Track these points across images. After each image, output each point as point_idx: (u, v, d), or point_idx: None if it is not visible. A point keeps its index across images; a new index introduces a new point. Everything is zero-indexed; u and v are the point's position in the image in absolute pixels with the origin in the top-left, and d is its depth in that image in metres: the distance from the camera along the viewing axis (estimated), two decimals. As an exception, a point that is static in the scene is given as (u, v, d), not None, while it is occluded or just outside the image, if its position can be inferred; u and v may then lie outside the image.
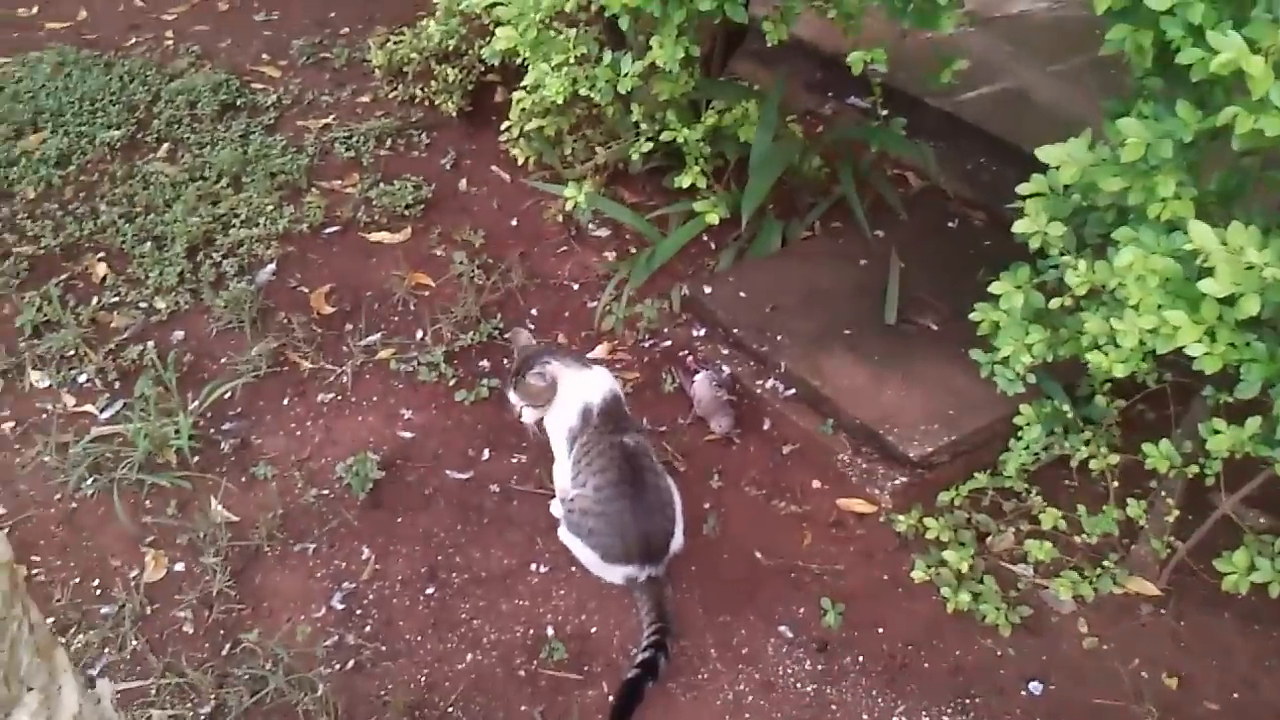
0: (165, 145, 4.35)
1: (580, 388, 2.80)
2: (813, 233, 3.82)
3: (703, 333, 3.44)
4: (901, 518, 2.84)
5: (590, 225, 3.95)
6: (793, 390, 3.16)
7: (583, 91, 3.48)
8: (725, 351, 3.34)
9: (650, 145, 3.64)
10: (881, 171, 3.97)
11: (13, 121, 4.44)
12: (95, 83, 4.71)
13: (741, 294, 3.44)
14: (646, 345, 3.46)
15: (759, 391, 3.20)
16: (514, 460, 3.07)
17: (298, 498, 2.93)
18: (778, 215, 3.75)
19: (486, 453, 3.10)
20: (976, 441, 2.96)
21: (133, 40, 5.21)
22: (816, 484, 2.98)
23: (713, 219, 3.50)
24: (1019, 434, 2.77)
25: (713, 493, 2.96)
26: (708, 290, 3.47)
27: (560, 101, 3.51)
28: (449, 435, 3.14)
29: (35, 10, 5.56)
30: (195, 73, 4.85)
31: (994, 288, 2.58)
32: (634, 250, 3.83)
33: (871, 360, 3.15)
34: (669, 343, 3.46)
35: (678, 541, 2.72)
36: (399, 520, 2.89)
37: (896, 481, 2.91)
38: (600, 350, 3.45)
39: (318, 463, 3.05)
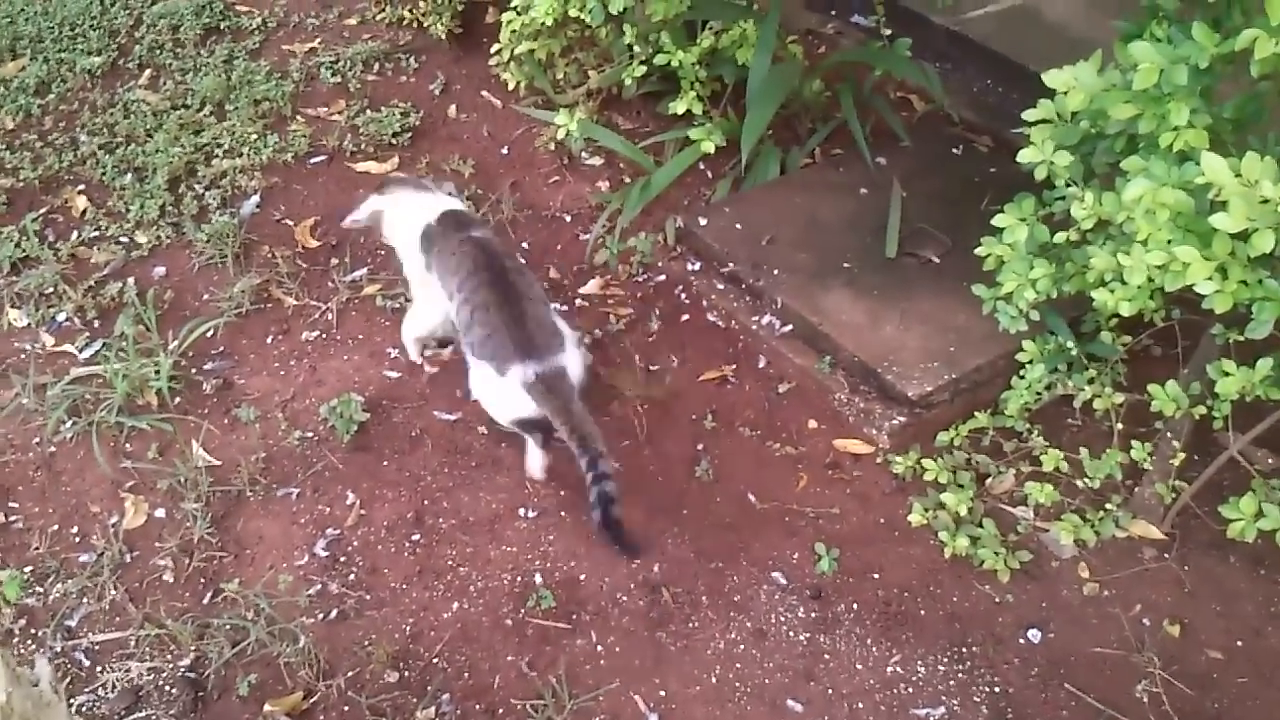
0: (147, 72, 4.22)
1: (418, 211, 2.92)
2: (812, 160, 3.70)
3: (697, 266, 3.34)
4: (899, 459, 2.76)
5: (583, 154, 3.83)
6: (789, 327, 3.07)
7: (573, 12, 3.34)
8: (720, 287, 3.24)
9: (644, 69, 3.51)
10: (884, 95, 3.84)
11: (-10, 48, 4.31)
12: (76, 6, 4.56)
13: (737, 225, 3.33)
14: (640, 280, 3.36)
15: (754, 328, 3.10)
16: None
17: (281, 440, 2.86)
18: (776, 142, 3.62)
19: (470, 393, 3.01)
20: (977, 379, 2.87)
21: (115, -39, 5.03)
22: (813, 424, 2.90)
23: (709, 147, 3.36)
24: (1021, 372, 2.68)
25: (706, 434, 2.88)
26: (703, 222, 3.35)
27: (550, 23, 3.38)
28: (436, 375, 3.06)
29: (13, -70, 5.37)
30: (177, -6, 4.68)
31: (998, 220, 2.46)
32: (628, 180, 3.71)
33: (870, 295, 3.04)
34: (663, 277, 3.36)
35: (570, 341, 2.69)
36: (385, 463, 2.82)
37: (894, 421, 2.83)
38: (593, 285, 3.36)
39: (302, 404, 2.97)
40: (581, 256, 3.46)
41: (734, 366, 3.07)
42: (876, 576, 2.55)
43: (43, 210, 3.57)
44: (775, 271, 3.15)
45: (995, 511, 2.68)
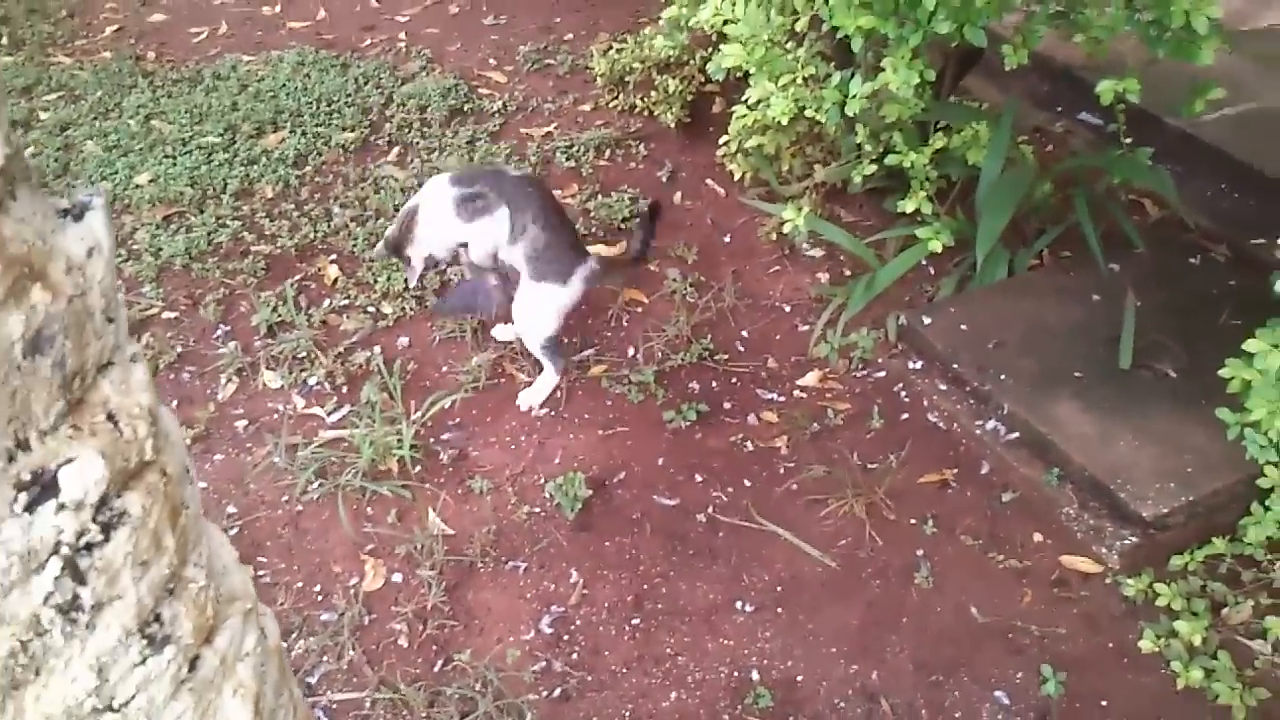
0: (396, 149, 4.50)
1: (432, 196, 3.27)
2: (1041, 262, 3.66)
3: (919, 365, 3.34)
4: (1130, 581, 2.68)
5: (805, 245, 3.89)
6: (1015, 434, 3.03)
7: (808, 112, 3.42)
8: (942, 387, 3.23)
9: (873, 167, 3.55)
10: (1116, 198, 3.76)
11: (255, 120, 4.69)
12: (332, 84, 4.92)
13: (962, 326, 3.32)
14: (859, 375, 3.38)
15: (978, 432, 3.08)
16: (723, 490, 3.04)
17: (510, 514, 2.99)
18: (1004, 242, 3.59)
19: (694, 478, 3.09)
20: (1215, 504, 2.76)
21: (368, 41, 5.42)
22: (1038, 537, 2.84)
23: (935, 246, 3.37)
24: (1267, 501, 2.57)
25: (926, 539, 2.86)
26: (926, 320, 3.36)
27: (784, 122, 3.46)
28: (657, 458, 3.15)
29: (278, 9, 5.86)
30: (426, 76, 5.01)
31: (1249, 345, 2.39)
32: (849, 272, 3.75)
33: (1102, 407, 2.98)
34: (883, 373, 3.38)
35: None
36: (606, 544, 2.91)
37: (1126, 541, 2.75)
38: (811, 377, 3.39)
39: (530, 479, 3.10)
40: (800, 348, 3.50)
41: (955, 471, 3.05)
42: (1105, 704, 2.48)
43: (298, 277, 3.84)
44: (1001, 376, 3.12)
45: (1231, 643, 2.57)
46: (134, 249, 3.98)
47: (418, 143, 4.52)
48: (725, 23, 3.45)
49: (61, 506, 0.89)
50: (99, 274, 0.94)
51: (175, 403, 3.39)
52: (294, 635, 2.71)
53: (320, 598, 2.81)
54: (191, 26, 5.68)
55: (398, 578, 2.85)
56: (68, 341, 0.89)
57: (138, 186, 4.30)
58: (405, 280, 3.58)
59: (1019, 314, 3.34)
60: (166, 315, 3.71)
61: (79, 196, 0.96)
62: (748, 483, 3.06)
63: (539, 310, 3.26)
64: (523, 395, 3.35)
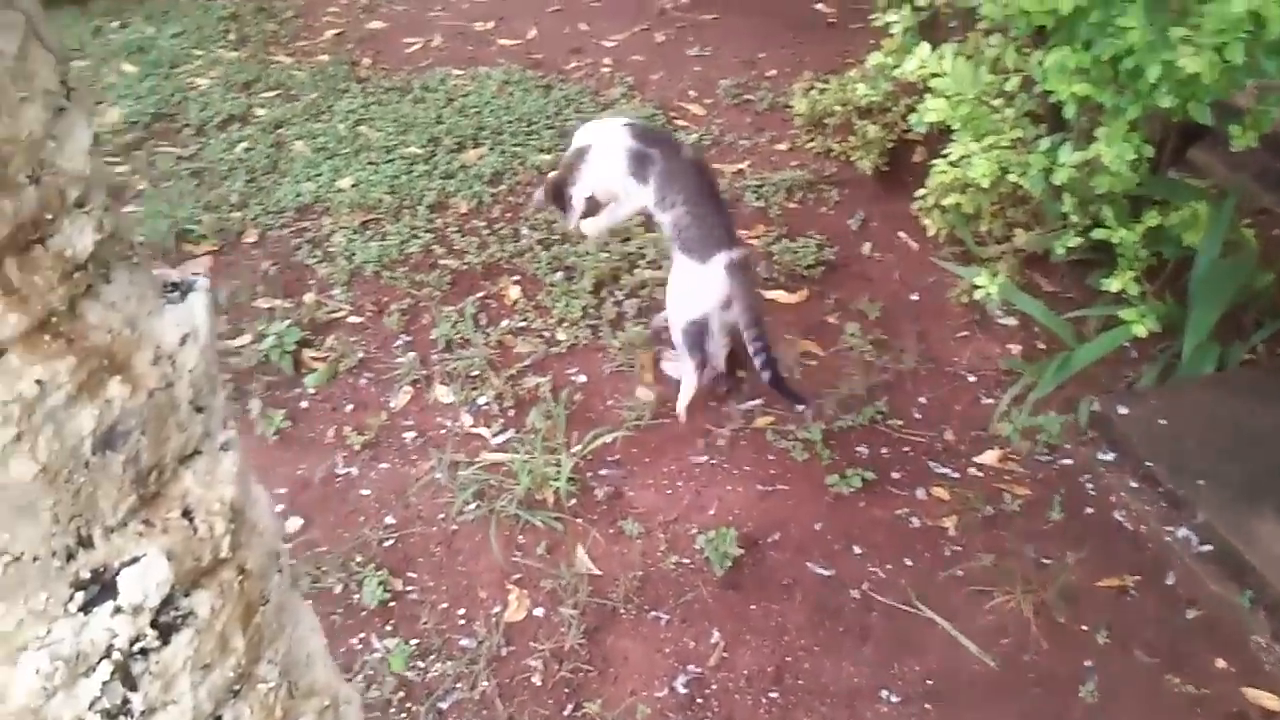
0: (588, 175, 4.51)
1: (607, 138, 3.40)
2: (1255, 357, 3.38)
3: (1110, 457, 3.12)
4: (1322, 727, 2.43)
5: (998, 312, 3.71)
6: (1209, 546, 2.79)
7: (1012, 177, 3.26)
8: (1133, 484, 3.02)
9: (1079, 240, 3.35)
10: (1348, 295, 3.46)
11: (457, 134, 4.78)
12: (534, 104, 4.99)
13: (1162, 420, 3.09)
14: (1043, 460, 3.19)
15: (1167, 539, 2.86)
16: (881, 566, 2.91)
17: (658, 562, 2.93)
18: (1216, 333, 3.34)
19: (853, 549, 2.96)
20: None
21: (573, 64, 5.48)
22: (1221, 664, 2.61)
23: (1140, 330, 3.15)
24: None
25: (1097, 649, 2.66)
26: (1122, 410, 3.14)
27: (984, 185, 3.31)
28: (815, 522, 3.04)
29: (491, 25, 5.98)
30: (625, 103, 5.02)
31: None
32: (1043, 346, 3.56)
33: (1312, 529, 2.72)
34: (1069, 461, 3.18)
35: None
36: (752, 607, 2.81)
37: (1323, 682, 2.49)
38: (990, 456, 3.22)
39: (683, 527, 3.03)
40: (982, 422, 3.33)
41: (1137, 578, 2.83)
42: None
43: (480, 295, 3.88)
44: (1200, 481, 2.89)
45: None
46: (330, 251, 4.10)
47: (610, 170, 4.51)
48: (931, 75, 3.32)
49: (119, 610, 0.86)
50: (191, 362, 0.91)
51: (351, 407, 3.46)
52: (432, 657, 2.71)
53: (462, 622, 2.81)
54: (407, 36, 5.86)
55: (540, 612, 2.82)
56: (144, 437, 0.85)
57: (340, 190, 4.44)
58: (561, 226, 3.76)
59: (1227, 414, 3.09)
60: (352, 320, 3.81)
61: (187, 274, 0.93)
62: (909, 562, 2.92)
63: (681, 286, 3.29)
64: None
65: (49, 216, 0.77)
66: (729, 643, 2.73)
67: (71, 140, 0.80)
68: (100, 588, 0.85)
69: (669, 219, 3.26)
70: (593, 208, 3.47)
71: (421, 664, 2.69)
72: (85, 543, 0.83)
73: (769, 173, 4.46)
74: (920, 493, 3.12)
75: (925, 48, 3.36)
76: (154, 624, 0.90)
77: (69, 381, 0.78)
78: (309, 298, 3.89)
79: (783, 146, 4.68)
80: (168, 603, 0.90)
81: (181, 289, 0.93)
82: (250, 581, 1.00)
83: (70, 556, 0.83)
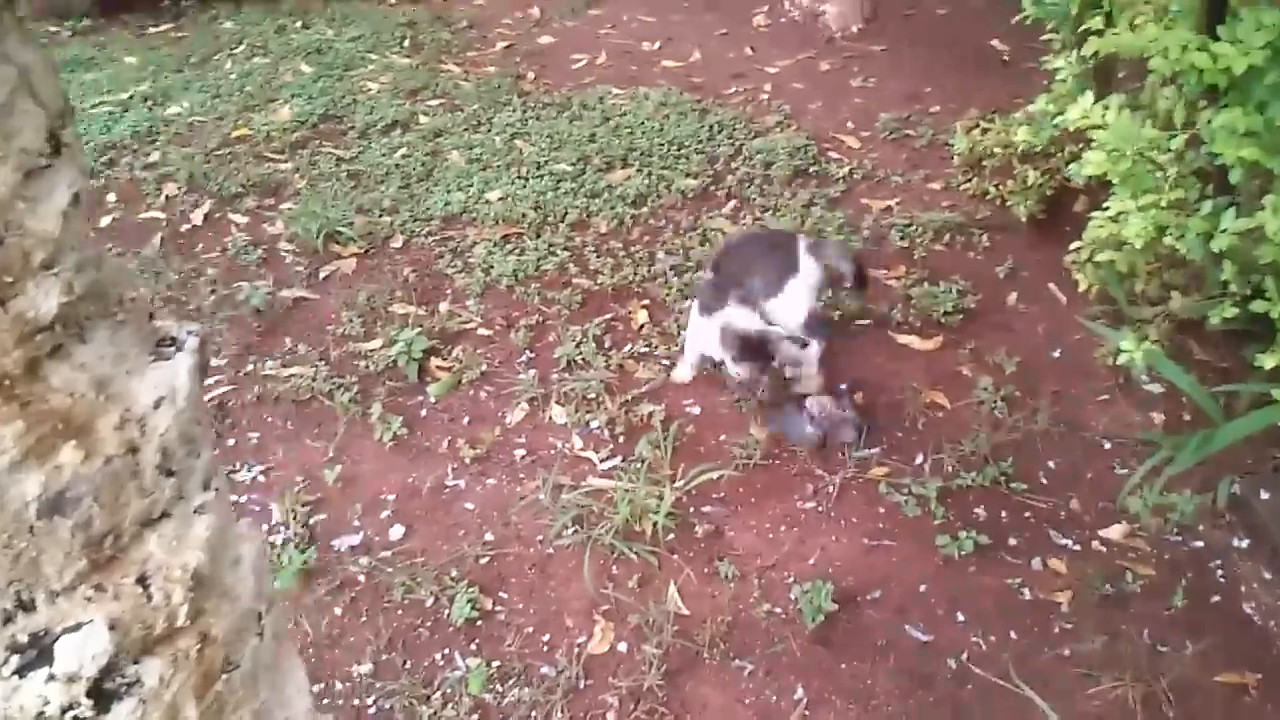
0: (732, 203, 4.48)
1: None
2: None
3: (1245, 545, 2.91)
4: None
5: (1143, 377, 3.50)
6: (1346, 655, 2.57)
7: (1168, 241, 3.08)
8: (1268, 575, 2.80)
9: (1235, 310, 3.13)
10: None
11: (607, 154, 4.81)
12: (687, 128, 4.98)
13: (1309, 511, 2.86)
14: (1172, 540, 3.00)
15: (1303, 641, 2.63)
16: (984, 637, 2.77)
17: (750, 608, 2.86)
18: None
19: (956, 615, 2.83)
20: None
21: (732, 89, 5.45)
22: (1346, 785, 2.39)
23: (1294, 412, 2.92)
24: None
25: (1208, 754, 2.48)
26: (1264, 495, 2.93)
27: (1138, 245, 3.13)
28: (919, 583, 2.92)
29: (657, 45, 6.01)
30: (779, 132, 4.96)
31: None
32: (1187, 418, 3.35)
33: None
34: (1200, 544, 2.98)
35: None
36: (842, 665, 2.72)
37: None
38: (1116, 530, 3.04)
39: (779, 574, 2.96)
40: (1111, 493, 3.15)
41: (1259, 676, 2.63)
42: None
43: (607, 316, 3.88)
44: (1344, 583, 2.66)
45: None
46: (469, 262, 4.18)
47: (755, 199, 4.48)
48: (1093, 126, 3.16)
49: (52, 677, 0.84)
50: (163, 425, 0.89)
51: (467, 420, 3.51)
52: (511, 682, 2.71)
53: (546, 649, 2.80)
54: (574, 53, 5.94)
55: (623, 647, 2.79)
56: (98, 503, 0.84)
57: (487, 202, 4.52)
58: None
59: (1385, 510, 2.84)
60: (481, 332, 3.86)
61: (183, 329, 0.93)
62: (1014, 635, 2.78)
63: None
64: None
65: (9, 279, 0.78)
66: (813, 701, 2.65)
67: (47, 201, 0.80)
68: (37, 653, 0.84)
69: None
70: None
71: (500, 687, 2.69)
72: (26, 606, 0.83)
73: (919, 212, 4.33)
74: (1036, 563, 2.97)
75: (1089, 98, 3.20)
76: (93, 692, 0.87)
77: (14, 446, 0.78)
78: (443, 307, 3.97)
79: (936, 186, 4.54)
80: (111, 670, 0.88)
81: (178, 344, 0.92)
82: (212, 648, 0.97)
83: (8, 619, 0.82)
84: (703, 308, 3.50)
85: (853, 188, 4.57)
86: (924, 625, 2.81)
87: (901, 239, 4.19)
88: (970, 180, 4.46)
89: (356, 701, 2.70)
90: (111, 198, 4.72)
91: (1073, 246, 3.64)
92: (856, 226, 4.27)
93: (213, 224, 4.55)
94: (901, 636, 2.79)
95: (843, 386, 3.43)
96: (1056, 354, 3.66)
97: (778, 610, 2.86)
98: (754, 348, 3.37)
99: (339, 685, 2.75)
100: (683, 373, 3.61)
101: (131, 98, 5.60)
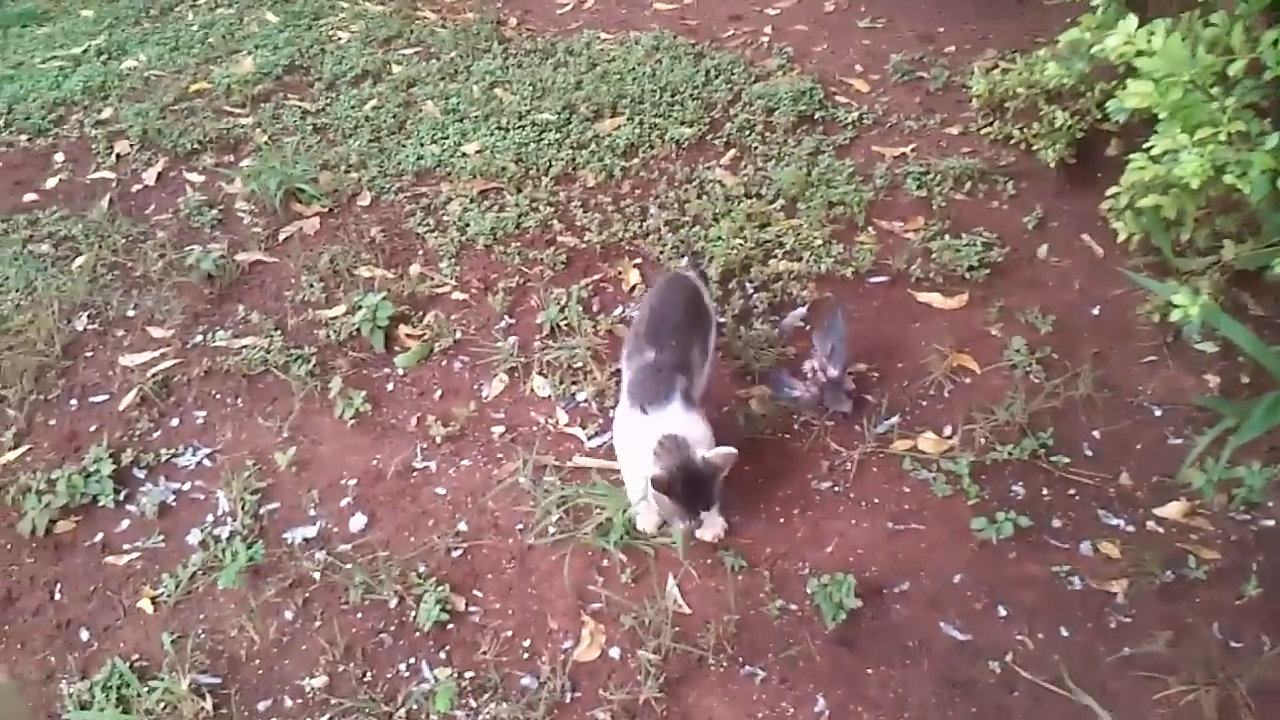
0: (731, 152, 4.09)
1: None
2: None
3: (1327, 524, 2.55)
4: None
5: (1195, 336, 3.12)
6: None
7: (1228, 179, 2.69)
8: (1355, 561, 2.44)
9: (1303, 257, 2.76)
10: None
11: (595, 102, 4.41)
12: (681, 73, 4.57)
13: (1399, 484, 2.49)
14: (1239, 520, 2.64)
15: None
16: (1030, 634, 2.41)
17: (760, 605, 2.50)
18: None
19: (997, 610, 2.47)
20: None
21: (730, 32, 5.04)
22: None
23: (1374, 371, 2.56)
24: None
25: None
26: (1347, 467, 2.55)
27: (1194, 185, 2.74)
28: (953, 573, 2.56)
29: (648, -12, 5.58)
30: (782, 76, 4.57)
31: None
32: (1247, 380, 2.98)
33: None
34: (1271, 523, 2.61)
35: None
36: (869, 671, 2.36)
37: None
38: (1174, 508, 2.68)
39: (792, 565, 2.59)
40: (1167, 467, 2.78)
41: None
42: None
43: (596, 277, 3.51)
44: None
45: None
46: (443, 221, 3.80)
47: (756, 148, 4.08)
48: (1137, 54, 2.77)
49: None
50: None
51: (439, 394, 3.14)
52: (486, 696, 2.35)
53: (526, 655, 2.44)
54: (559, -4, 5.52)
55: (615, 653, 2.43)
56: None
57: (464, 155, 4.13)
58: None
59: None
60: (455, 296, 3.49)
61: None
62: (1064, 632, 2.42)
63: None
64: None
65: None
66: (835, 713, 2.29)
67: None
68: None
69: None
70: None
71: (473, 702, 2.34)
72: None
73: (936, 159, 3.94)
74: (1085, 547, 2.61)
75: (1132, 21, 2.81)
76: None
77: None
78: (414, 269, 3.59)
79: (954, 131, 4.15)
80: None
81: None
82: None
83: None
84: (639, 399, 2.58)
85: (861, 134, 4.18)
86: (960, 622, 2.45)
87: (919, 188, 3.80)
88: (991, 124, 4.08)
89: (308, 721, 2.34)
90: (59, 158, 4.36)
91: (1109, 192, 3.25)
92: (868, 175, 3.88)
93: (166, 183, 4.17)
94: (935, 636, 2.42)
95: (829, 346, 2.99)
96: (1095, 312, 3.29)
97: (792, 607, 2.49)
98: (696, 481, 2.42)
99: (288, 701, 2.39)
100: (648, 522, 2.65)
101: (85, 52, 5.21)
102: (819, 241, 3.55)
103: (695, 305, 2.81)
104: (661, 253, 3.55)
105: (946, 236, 3.55)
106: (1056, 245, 3.55)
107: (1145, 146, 2.96)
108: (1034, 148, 3.83)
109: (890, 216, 3.70)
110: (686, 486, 2.38)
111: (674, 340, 2.65)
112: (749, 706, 2.30)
